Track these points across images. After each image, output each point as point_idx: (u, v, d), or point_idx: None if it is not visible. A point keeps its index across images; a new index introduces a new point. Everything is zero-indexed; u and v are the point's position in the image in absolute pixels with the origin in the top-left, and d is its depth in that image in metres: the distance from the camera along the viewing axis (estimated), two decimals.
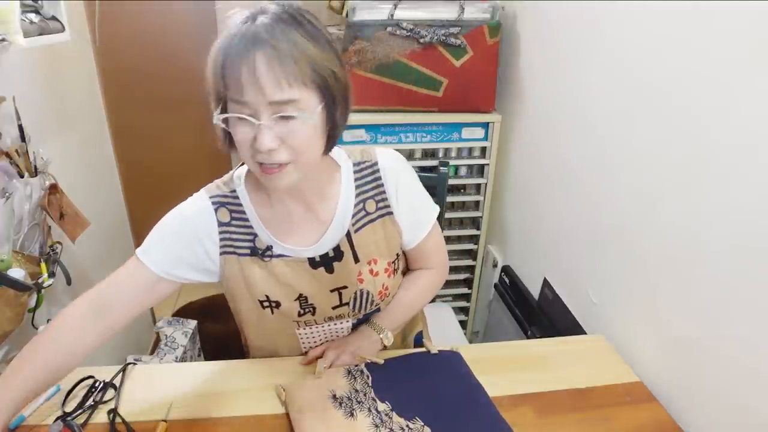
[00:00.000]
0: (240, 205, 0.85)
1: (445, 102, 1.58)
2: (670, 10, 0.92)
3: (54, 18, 1.15)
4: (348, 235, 0.87)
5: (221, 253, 0.85)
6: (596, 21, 1.16)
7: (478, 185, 1.74)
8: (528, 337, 1.50)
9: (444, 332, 1.58)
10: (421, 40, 1.49)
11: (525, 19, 1.52)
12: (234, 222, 0.84)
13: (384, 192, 0.89)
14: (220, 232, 0.84)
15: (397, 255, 0.94)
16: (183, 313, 2.47)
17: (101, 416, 0.85)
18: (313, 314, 0.90)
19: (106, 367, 0.94)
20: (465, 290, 1.91)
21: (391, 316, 0.97)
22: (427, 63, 1.52)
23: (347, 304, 0.90)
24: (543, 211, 1.47)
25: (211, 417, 0.86)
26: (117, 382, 0.91)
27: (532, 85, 1.50)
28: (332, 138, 0.78)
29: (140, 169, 2.52)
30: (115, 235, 1.83)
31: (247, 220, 0.85)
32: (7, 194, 1.00)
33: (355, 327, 0.97)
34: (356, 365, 0.92)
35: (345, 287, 0.89)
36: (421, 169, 1.57)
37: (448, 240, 1.82)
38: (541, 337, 1.39)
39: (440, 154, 1.69)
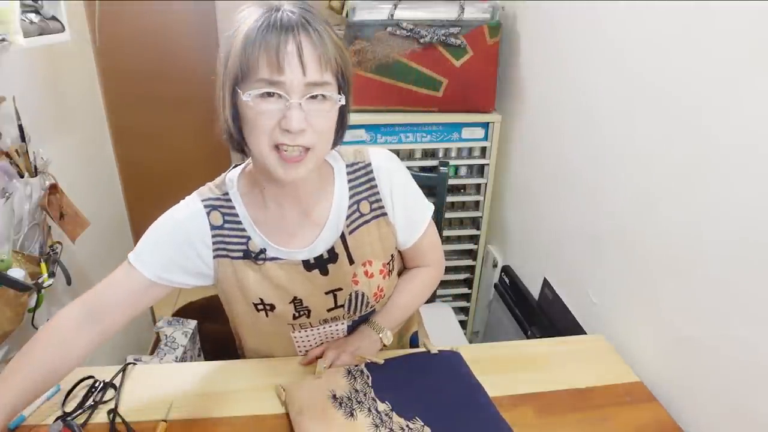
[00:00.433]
0: (233, 208, 0.84)
1: (445, 102, 1.58)
2: (671, 9, 0.92)
3: (54, 18, 1.15)
4: (342, 236, 0.87)
5: (214, 257, 0.84)
6: (596, 21, 1.16)
7: (478, 185, 1.74)
8: (528, 337, 1.50)
9: (444, 332, 1.58)
10: (421, 40, 1.49)
11: (525, 19, 1.52)
12: (226, 225, 0.84)
13: (378, 193, 0.88)
14: (213, 236, 0.83)
15: (392, 256, 0.93)
16: (183, 313, 2.47)
17: (101, 416, 0.85)
18: (308, 317, 0.90)
19: (106, 367, 0.94)
20: (465, 290, 1.91)
21: (389, 315, 0.97)
22: (427, 63, 1.52)
23: (342, 306, 0.90)
24: (543, 211, 1.47)
25: (211, 417, 0.86)
26: (117, 382, 0.91)
27: (532, 85, 1.50)
28: (340, 132, 0.79)
29: (140, 169, 2.52)
30: (115, 235, 1.83)
31: (240, 223, 0.84)
32: (7, 194, 1.00)
33: (350, 329, 0.97)
34: (356, 365, 0.92)
35: (340, 289, 0.88)
36: (421, 169, 1.58)
37: (448, 240, 1.82)
38: (541, 337, 1.39)
39: (440, 154, 1.69)
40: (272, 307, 0.87)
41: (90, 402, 0.87)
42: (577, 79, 1.25)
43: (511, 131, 1.63)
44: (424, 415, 0.83)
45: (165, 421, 0.83)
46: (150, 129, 2.65)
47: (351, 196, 0.87)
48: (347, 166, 0.88)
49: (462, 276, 1.90)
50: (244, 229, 0.84)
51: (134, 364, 0.96)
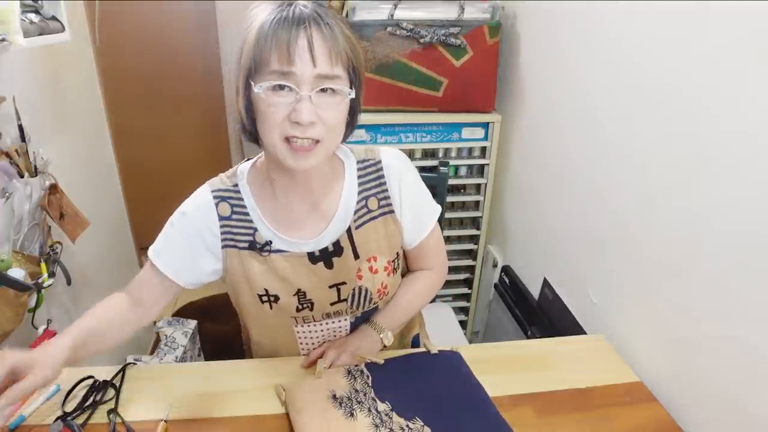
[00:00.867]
0: (241, 199, 0.86)
1: (445, 102, 1.58)
2: (671, 9, 0.92)
3: (54, 18, 1.15)
4: (348, 230, 0.88)
5: (223, 247, 0.87)
6: (596, 21, 1.16)
7: (478, 185, 1.74)
8: (528, 337, 1.50)
9: (444, 332, 1.58)
10: (421, 40, 1.49)
11: (525, 19, 1.52)
12: (234, 216, 0.86)
13: (387, 190, 0.89)
14: (221, 226, 0.86)
15: (398, 254, 0.94)
16: (183, 313, 2.47)
17: (101, 416, 0.85)
18: (311, 310, 0.90)
19: (106, 367, 0.94)
20: (465, 290, 1.91)
21: (390, 316, 0.97)
22: (427, 63, 1.52)
23: (345, 300, 0.91)
24: (543, 211, 1.47)
25: (211, 417, 0.86)
26: (117, 382, 0.91)
27: (532, 85, 1.50)
28: (351, 126, 0.82)
29: (140, 169, 2.52)
30: (115, 235, 1.83)
31: (247, 214, 0.86)
32: (7, 194, 1.00)
33: (353, 326, 0.97)
34: (356, 365, 0.92)
35: (344, 283, 0.89)
36: (421, 169, 1.57)
37: (448, 240, 1.82)
38: (541, 337, 1.39)
39: (440, 154, 1.69)
40: (276, 299, 0.88)
41: (90, 402, 0.87)
42: (577, 79, 1.25)
43: (511, 131, 1.63)
44: (424, 415, 0.83)
45: (165, 421, 0.83)
46: (150, 129, 2.65)
47: (360, 192, 0.88)
48: (358, 162, 0.89)
49: (462, 276, 1.90)
50: (251, 221, 0.86)
51: (134, 364, 0.96)
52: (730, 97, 0.80)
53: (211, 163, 2.75)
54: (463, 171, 1.75)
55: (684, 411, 0.90)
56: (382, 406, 0.84)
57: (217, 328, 1.73)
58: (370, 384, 0.88)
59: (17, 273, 0.97)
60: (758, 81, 0.75)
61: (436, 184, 1.44)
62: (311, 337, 0.96)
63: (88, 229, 1.29)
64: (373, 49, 1.50)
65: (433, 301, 1.10)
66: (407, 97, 1.56)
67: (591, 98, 1.19)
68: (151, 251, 0.86)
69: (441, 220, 1.48)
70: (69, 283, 1.16)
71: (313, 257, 0.87)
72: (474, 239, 1.81)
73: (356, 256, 0.89)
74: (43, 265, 1.07)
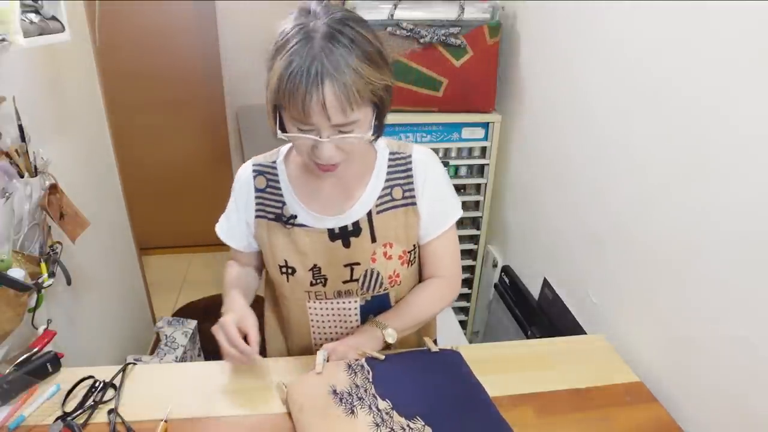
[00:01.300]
0: (276, 175, 0.94)
1: (445, 102, 1.58)
2: (671, 9, 0.92)
3: (54, 18, 1.15)
4: (369, 214, 0.92)
5: (255, 217, 0.95)
6: (596, 21, 1.16)
7: (478, 185, 1.75)
8: (528, 337, 1.50)
9: (444, 332, 1.57)
10: (421, 40, 1.49)
11: (525, 19, 1.52)
12: (268, 189, 0.95)
13: (412, 183, 0.93)
14: (256, 197, 0.95)
15: (414, 246, 0.97)
16: (183, 313, 2.47)
17: (101, 416, 0.85)
18: (324, 285, 0.95)
19: (106, 367, 0.94)
20: (465, 290, 1.91)
21: (396, 316, 0.97)
22: (427, 63, 1.52)
23: (357, 280, 0.94)
24: (543, 211, 1.47)
25: (211, 417, 0.86)
26: (117, 382, 0.91)
27: (532, 85, 1.50)
28: (379, 129, 0.84)
29: (140, 169, 2.52)
30: (115, 235, 1.83)
31: (279, 189, 0.94)
32: (7, 194, 1.00)
33: (363, 311, 0.98)
34: (357, 360, 0.92)
35: (358, 263, 0.93)
36: None
37: None
38: (541, 337, 1.39)
39: (440, 154, 1.69)
40: (293, 271, 0.95)
41: (90, 402, 0.87)
42: (577, 79, 1.25)
43: (511, 131, 1.63)
44: (424, 415, 0.82)
45: (165, 421, 0.84)
46: (150, 129, 2.65)
47: (387, 180, 0.93)
48: (390, 153, 0.94)
49: (462, 276, 1.90)
50: (282, 195, 0.94)
51: (134, 364, 0.96)
52: (730, 97, 0.80)
53: (210, 163, 2.75)
54: (463, 171, 1.75)
55: (684, 411, 0.90)
56: (383, 405, 0.84)
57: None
58: (370, 379, 0.88)
59: (17, 273, 0.97)
60: (758, 81, 0.75)
61: None
62: (322, 314, 0.99)
63: (88, 229, 1.29)
64: None
65: None
66: (407, 97, 1.56)
67: (591, 98, 1.19)
68: (219, 231, 1.00)
69: None
70: (69, 283, 1.16)
71: (332, 234, 0.92)
72: (474, 239, 1.81)
73: (373, 239, 0.92)
74: (43, 265, 1.07)
